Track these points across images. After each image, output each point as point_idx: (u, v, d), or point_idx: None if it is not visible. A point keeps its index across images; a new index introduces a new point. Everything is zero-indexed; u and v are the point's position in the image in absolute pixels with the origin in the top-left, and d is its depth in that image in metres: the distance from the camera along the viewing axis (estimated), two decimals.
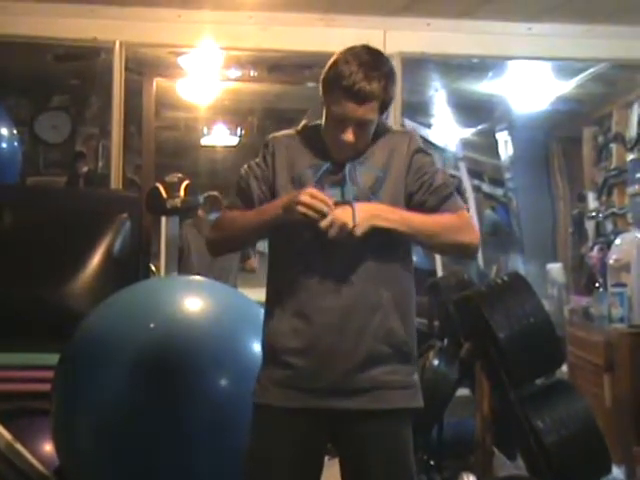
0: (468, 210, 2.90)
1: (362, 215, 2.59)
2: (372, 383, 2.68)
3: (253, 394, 2.76)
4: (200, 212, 6.71)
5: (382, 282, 2.69)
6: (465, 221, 2.76)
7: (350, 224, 2.57)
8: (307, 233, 2.65)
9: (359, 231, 2.58)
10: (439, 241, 2.74)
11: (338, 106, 2.64)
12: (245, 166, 2.83)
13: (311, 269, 2.67)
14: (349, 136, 2.66)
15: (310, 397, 2.66)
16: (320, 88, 2.72)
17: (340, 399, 2.66)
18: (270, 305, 2.77)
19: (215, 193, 7.36)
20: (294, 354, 2.67)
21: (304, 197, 2.56)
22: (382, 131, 2.79)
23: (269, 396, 2.71)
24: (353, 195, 2.67)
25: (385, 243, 2.68)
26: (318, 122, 2.80)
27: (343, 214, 2.58)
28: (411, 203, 2.73)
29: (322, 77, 2.71)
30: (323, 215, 2.55)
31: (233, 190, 2.87)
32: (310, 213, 2.55)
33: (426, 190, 2.73)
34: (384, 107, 2.70)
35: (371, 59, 2.64)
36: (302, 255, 2.68)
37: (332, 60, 2.69)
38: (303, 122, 2.86)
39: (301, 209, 2.55)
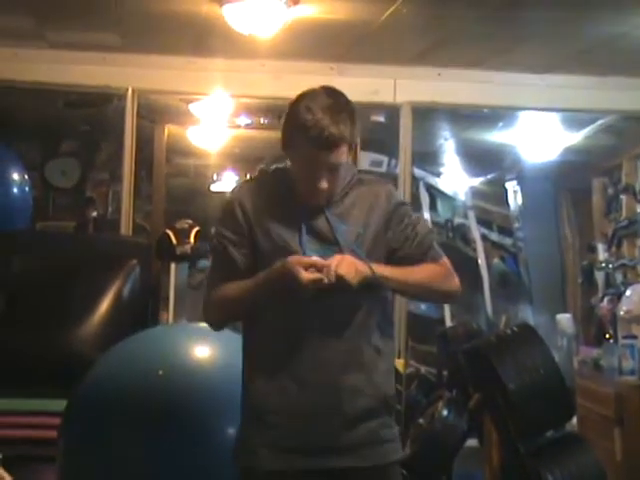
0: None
1: (356, 267, 2.57)
2: (364, 439, 2.63)
3: (236, 457, 2.68)
4: None
5: (370, 338, 2.67)
6: (448, 269, 2.78)
7: (349, 276, 2.53)
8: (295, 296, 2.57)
9: (356, 280, 2.54)
10: (422, 291, 2.78)
11: (309, 157, 2.57)
12: (214, 233, 2.74)
13: (300, 329, 2.61)
14: (324, 185, 2.59)
15: (301, 458, 2.60)
16: (282, 139, 2.64)
17: (334, 457, 2.60)
18: (252, 364, 2.70)
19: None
20: (284, 414, 2.60)
21: (303, 277, 2.49)
22: (356, 182, 2.73)
23: (258, 460, 2.62)
24: (333, 252, 2.60)
25: (368, 297, 2.65)
26: (277, 166, 2.76)
27: (342, 265, 2.54)
28: (395, 256, 2.71)
29: (283, 128, 2.63)
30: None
31: (211, 258, 2.81)
32: (316, 283, 2.51)
33: (410, 244, 2.72)
34: (351, 147, 2.63)
35: (333, 102, 2.57)
36: (290, 315, 2.61)
37: (291, 109, 2.61)
38: (260, 168, 2.79)
39: (309, 285, 2.50)
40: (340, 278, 2.51)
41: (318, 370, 2.60)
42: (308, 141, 2.54)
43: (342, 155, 2.59)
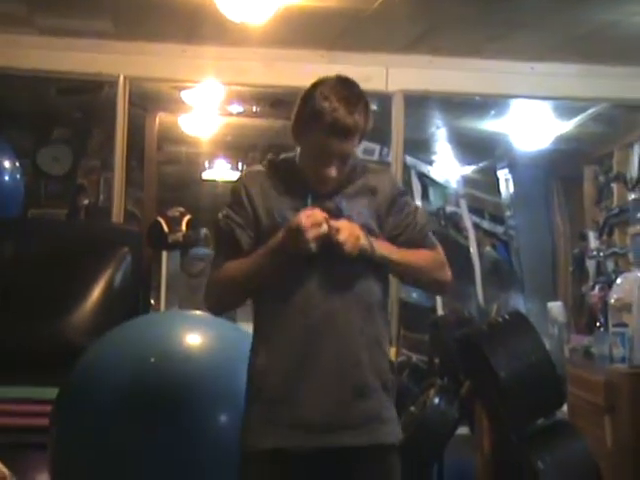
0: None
1: (358, 236, 2.61)
2: (363, 417, 2.65)
3: (242, 438, 2.70)
4: None
5: (370, 318, 2.69)
6: (442, 259, 2.83)
7: (347, 244, 2.56)
8: (296, 271, 2.62)
9: (355, 249, 2.57)
10: (419, 274, 2.80)
11: (321, 143, 2.61)
12: (222, 216, 2.74)
13: (302, 305, 2.63)
14: (333, 171, 2.64)
15: (302, 435, 2.61)
16: (294, 124, 2.68)
17: (334, 434, 2.61)
18: (255, 343, 2.73)
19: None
20: (285, 390, 2.62)
21: (304, 220, 2.53)
22: (361, 169, 2.77)
23: (260, 438, 2.65)
24: None
25: (371, 273, 2.69)
26: (286, 155, 2.78)
27: (344, 231, 2.57)
28: (394, 241, 2.74)
29: (296, 114, 2.67)
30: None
31: (216, 241, 2.84)
32: (317, 232, 2.53)
33: (412, 229, 2.77)
34: (362, 136, 2.68)
35: (349, 92, 2.62)
36: (292, 292, 2.64)
37: (306, 96, 2.65)
38: (269, 157, 2.80)
39: (310, 235, 2.52)
40: (339, 244, 2.54)
41: (319, 347, 2.61)
42: (322, 128, 2.59)
43: (354, 144, 2.65)
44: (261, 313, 2.73)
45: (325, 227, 2.54)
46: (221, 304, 2.82)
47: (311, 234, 2.53)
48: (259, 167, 2.80)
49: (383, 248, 2.67)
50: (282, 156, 2.79)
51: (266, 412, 2.64)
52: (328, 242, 2.56)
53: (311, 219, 2.54)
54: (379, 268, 2.71)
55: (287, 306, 2.64)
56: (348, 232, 2.56)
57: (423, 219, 2.84)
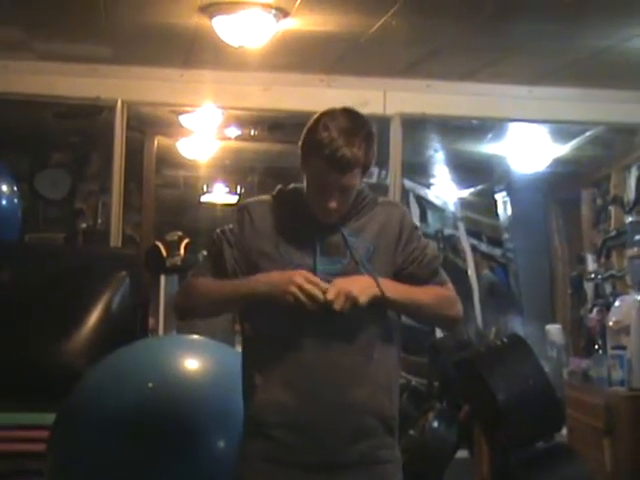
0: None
1: (363, 284, 2.58)
2: (362, 457, 2.62)
3: (238, 471, 2.69)
4: None
5: (371, 360, 2.65)
6: (452, 295, 2.80)
7: (354, 293, 2.53)
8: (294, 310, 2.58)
9: (363, 299, 2.55)
10: (428, 313, 2.77)
11: (321, 175, 2.59)
12: (218, 231, 2.76)
13: (301, 342, 2.60)
14: (333, 204, 2.61)
15: (300, 473, 2.59)
16: (300, 154, 2.66)
17: (331, 475, 2.60)
18: (252, 377, 2.69)
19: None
20: (284, 428, 2.60)
21: (299, 279, 2.52)
22: (371, 202, 2.76)
23: (257, 474, 2.63)
24: (342, 265, 2.64)
25: (373, 316, 2.65)
26: (295, 185, 2.76)
27: (346, 284, 2.55)
28: (401, 275, 2.71)
29: (301, 143, 2.65)
30: (315, 301, 2.52)
31: (207, 249, 2.84)
32: (302, 298, 2.51)
33: (418, 264, 2.74)
34: (366, 170, 2.66)
35: (350, 124, 2.58)
36: (292, 328, 2.61)
37: (310, 126, 2.63)
38: (279, 186, 2.79)
39: (294, 291, 2.51)
40: (329, 309, 2.52)
41: (317, 386, 2.59)
42: (321, 159, 2.56)
43: (354, 177, 2.61)
44: (257, 353, 2.70)
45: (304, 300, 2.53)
46: (188, 311, 2.82)
47: (294, 292, 2.52)
48: (266, 197, 2.79)
49: (388, 284, 2.64)
50: (291, 186, 2.78)
51: (264, 449, 2.62)
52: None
53: (309, 285, 2.53)
54: (381, 309, 2.67)
55: (286, 347, 2.62)
56: (336, 290, 2.53)
57: (432, 254, 2.79)
